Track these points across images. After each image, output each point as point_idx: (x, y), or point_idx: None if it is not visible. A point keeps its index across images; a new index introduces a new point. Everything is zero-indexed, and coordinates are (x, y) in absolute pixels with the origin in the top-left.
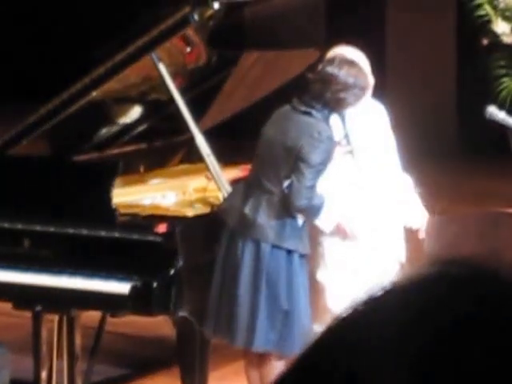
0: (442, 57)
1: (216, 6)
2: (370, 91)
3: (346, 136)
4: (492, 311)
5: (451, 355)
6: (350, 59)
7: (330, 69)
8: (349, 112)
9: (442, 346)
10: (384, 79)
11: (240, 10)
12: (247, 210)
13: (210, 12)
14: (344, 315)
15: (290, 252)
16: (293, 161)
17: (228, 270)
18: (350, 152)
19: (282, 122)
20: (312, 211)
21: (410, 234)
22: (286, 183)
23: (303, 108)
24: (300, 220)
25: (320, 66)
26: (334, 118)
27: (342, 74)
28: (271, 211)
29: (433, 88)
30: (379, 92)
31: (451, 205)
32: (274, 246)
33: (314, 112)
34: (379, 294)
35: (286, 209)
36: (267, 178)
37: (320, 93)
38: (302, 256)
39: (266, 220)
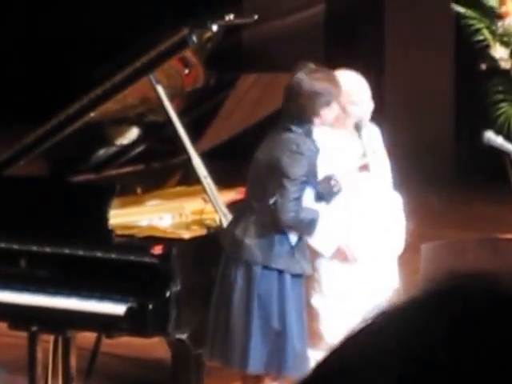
0: (440, 81)
1: (214, 28)
2: (368, 116)
3: (364, 153)
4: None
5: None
6: (320, 68)
7: (295, 79)
8: (340, 140)
9: (464, 364)
10: (382, 104)
11: (238, 33)
12: (237, 231)
13: (208, 34)
14: (356, 335)
15: (281, 272)
16: (276, 178)
17: (223, 292)
18: (367, 167)
19: (267, 142)
20: (302, 226)
21: (404, 260)
22: (271, 201)
23: (284, 125)
24: (293, 239)
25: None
26: (353, 137)
27: (305, 83)
28: (259, 231)
29: (431, 113)
30: (378, 117)
31: (448, 231)
32: (265, 267)
33: (293, 127)
34: (388, 309)
35: (275, 228)
36: (255, 199)
37: (292, 106)
38: (295, 276)
39: (254, 240)
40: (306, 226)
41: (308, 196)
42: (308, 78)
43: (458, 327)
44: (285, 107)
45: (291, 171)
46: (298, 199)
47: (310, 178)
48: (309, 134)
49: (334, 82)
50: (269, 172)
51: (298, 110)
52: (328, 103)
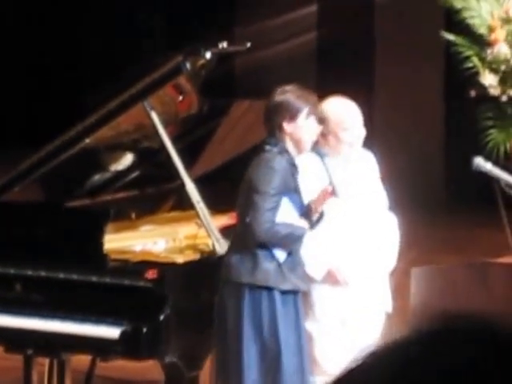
0: (430, 108)
1: (208, 55)
2: (360, 141)
3: (331, 183)
4: (500, 364)
5: None
6: (300, 87)
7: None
8: (333, 160)
9: None
10: (372, 130)
11: (231, 60)
12: (227, 253)
13: (202, 61)
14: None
15: (270, 290)
16: (250, 196)
17: (218, 317)
18: (336, 198)
19: (250, 166)
20: (278, 239)
21: (395, 284)
22: (248, 219)
23: (261, 147)
24: (281, 255)
25: None
26: (319, 166)
27: (272, 97)
28: (243, 250)
29: (421, 139)
30: (368, 143)
31: (439, 255)
32: (252, 286)
33: (267, 147)
34: (382, 350)
35: (257, 245)
36: (239, 220)
37: (264, 126)
38: (286, 292)
39: (238, 260)
40: (284, 239)
41: (290, 211)
42: (276, 92)
43: (447, 371)
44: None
45: (260, 186)
46: (271, 212)
47: (289, 192)
48: (283, 152)
49: (302, 97)
50: (246, 192)
51: (266, 126)
52: (292, 117)
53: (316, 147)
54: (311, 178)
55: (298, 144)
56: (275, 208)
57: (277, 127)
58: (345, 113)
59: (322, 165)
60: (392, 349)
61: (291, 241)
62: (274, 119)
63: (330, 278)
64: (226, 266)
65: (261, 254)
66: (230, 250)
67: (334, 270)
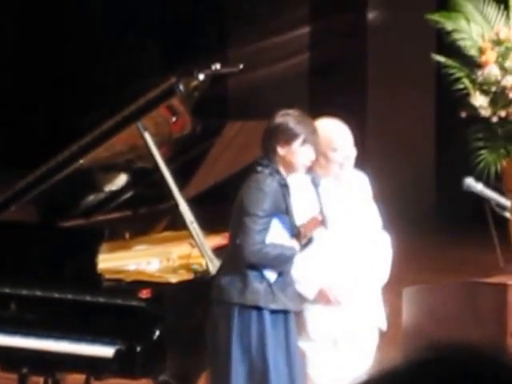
0: (422, 129)
1: (201, 76)
2: (351, 162)
3: (321, 211)
4: None
5: None
6: (299, 111)
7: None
8: (324, 181)
9: None
10: (365, 152)
11: (224, 81)
12: (217, 274)
13: (195, 83)
14: None
15: (260, 310)
16: (240, 217)
17: (210, 337)
18: (325, 223)
19: (242, 187)
20: (267, 260)
21: (387, 303)
22: (238, 240)
23: (254, 168)
24: (271, 276)
25: None
26: (311, 191)
27: (270, 121)
28: (233, 271)
29: (412, 160)
30: (360, 164)
31: (430, 275)
32: (242, 306)
33: (259, 168)
34: (371, 379)
35: (247, 265)
36: (231, 241)
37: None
38: (276, 312)
39: (228, 280)
40: (273, 260)
41: (281, 232)
42: (275, 115)
43: None
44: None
45: (249, 207)
46: (260, 234)
47: (279, 214)
48: (273, 173)
49: (300, 123)
50: (236, 214)
51: (262, 148)
52: (287, 142)
53: (312, 174)
54: (302, 199)
55: (289, 168)
56: (265, 230)
57: (271, 149)
58: (334, 133)
59: (314, 192)
60: (382, 378)
61: (281, 262)
62: (269, 141)
63: (322, 298)
64: (217, 286)
65: (251, 274)
66: (221, 271)
67: (325, 289)
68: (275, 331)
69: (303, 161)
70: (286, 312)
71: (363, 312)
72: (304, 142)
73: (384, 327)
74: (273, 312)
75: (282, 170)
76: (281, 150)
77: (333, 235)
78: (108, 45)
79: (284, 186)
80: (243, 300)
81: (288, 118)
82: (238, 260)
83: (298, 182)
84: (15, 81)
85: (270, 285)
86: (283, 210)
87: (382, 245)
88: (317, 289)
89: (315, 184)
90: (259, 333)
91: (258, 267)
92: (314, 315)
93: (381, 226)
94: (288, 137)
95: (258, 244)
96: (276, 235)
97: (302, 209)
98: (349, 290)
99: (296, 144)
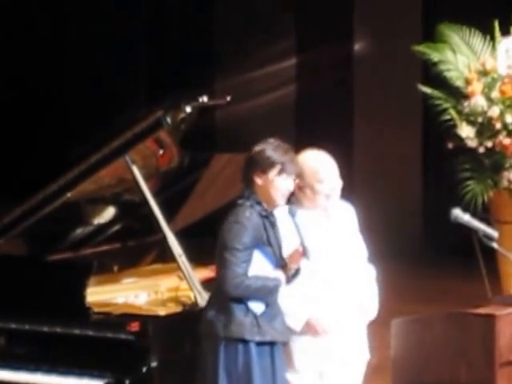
0: (409, 160)
1: (188, 109)
2: (337, 193)
3: (302, 242)
4: None
5: None
6: (278, 141)
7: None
8: (311, 212)
9: None
10: (352, 182)
11: (211, 113)
12: (205, 308)
13: (182, 115)
14: None
15: (246, 342)
16: (219, 251)
17: (198, 371)
18: (306, 255)
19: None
20: (250, 292)
21: (375, 334)
22: (219, 273)
23: (236, 200)
24: (258, 308)
25: None
26: (290, 225)
27: (250, 151)
28: (219, 304)
29: (399, 191)
30: (347, 195)
31: (418, 306)
32: (228, 339)
33: (240, 201)
34: None
35: (234, 299)
36: (216, 274)
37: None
38: (262, 344)
39: (214, 314)
40: (256, 293)
41: (263, 264)
42: (255, 146)
43: None
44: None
45: (228, 242)
46: (241, 267)
47: (261, 245)
48: (254, 205)
49: (279, 152)
50: (218, 248)
51: (242, 177)
52: (263, 171)
53: (288, 205)
54: (283, 230)
55: (268, 198)
56: (246, 262)
57: (249, 179)
58: (320, 165)
59: (292, 222)
60: None
61: (264, 293)
62: (247, 171)
63: (310, 329)
64: (204, 320)
65: (235, 307)
66: (208, 305)
67: (312, 320)
68: (262, 363)
69: (281, 191)
70: (272, 344)
71: (349, 344)
72: (281, 171)
73: (366, 360)
74: (259, 344)
75: (262, 200)
76: (258, 180)
77: (318, 267)
78: (97, 78)
79: (265, 218)
80: (228, 333)
81: (264, 147)
82: (222, 294)
83: (277, 213)
84: (3, 114)
85: (255, 317)
86: (265, 242)
87: (368, 278)
88: (304, 321)
89: (292, 214)
90: (245, 365)
91: (242, 300)
92: (300, 347)
93: (367, 258)
94: (264, 166)
95: (238, 277)
96: (259, 267)
97: (284, 240)
98: (335, 320)
99: (272, 173)
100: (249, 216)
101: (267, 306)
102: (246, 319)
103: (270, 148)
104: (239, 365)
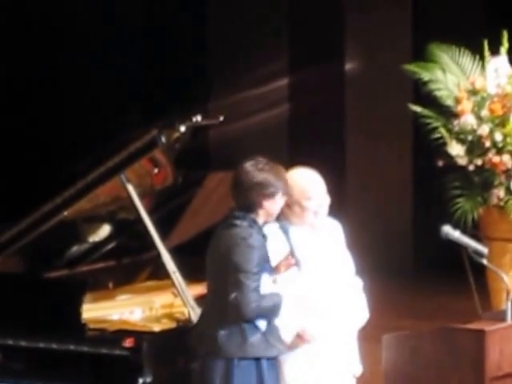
0: (399, 178)
1: (182, 128)
2: (324, 209)
3: (292, 251)
4: None
5: None
6: (266, 161)
7: (239, 170)
8: (295, 230)
9: None
10: (343, 200)
11: (205, 132)
12: (207, 328)
13: (176, 135)
14: None
15: (258, 360)
16: (231, 274)
17: None
18: (296, 265)
19: (214, 239)
20: (265, 313)
21: (366, 350)
22: (231, 297)
23: (229, 221)
24: (262, 324)
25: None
26: (280, 235)
27: (248, 173)
28: (228, 325)
29: (389, 208)
30: (338, 212)
31: (408, 322)
32: (241, 358)
33: (237, 222)
34: None
35: (241, 319)
36: (217, 294)
37: (237, 197)
38: (271, 359)
39: (226, 335)
40: (270, 312)
41: (265, 281)
42: (252, 168)
43: None
44: (232, 198)
45: (244, 266)
46: (256, 290)
47: (264, 264)
48: (252, 225)
49: (278, 175)
50: (223, 268)
51: (241, 201)
52: (271, 195)
53: (280, 222)
54: (275, 245)
55: (268, 218)
56: (258, 283)
57: (256, 203)
58: (307, 182)
59: (285, 238)
60: None
61: (276, 311)
62: (253, 196)
63: (299, 340)
64: (212, 341)
65: (247, 327)
66: (207, 323)
67: (300, 330)
68: (272, 376)
69: (279, 210)
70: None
71: (336, 359)
72: (283, 192)
73: (358, 373)
74: (268, 359)
75: (259, 220)
76: (266, 203)
77: (306, 279)
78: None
79: (263, 236)
80: (244, 353)
81: (266, 173)
82: (233, 316)
83: (268, 229)
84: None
85: (263, 334)
86: (267, 260)
87: (356, 287)
88: (293, 332)
89: (284, 230)
90: (259, 381)
91: (251, 320)
92: (289, 360)
93: (354, 272)
94: (273, 190)
95: (256, 301)
96: (264, 284)
97: (275, 255)
98: (323, 328)
99: (278, 196)
100: (256, 237)
101: (269, 321)
102: (256, 337)
103: (274, 174)
104: (253, 382)
